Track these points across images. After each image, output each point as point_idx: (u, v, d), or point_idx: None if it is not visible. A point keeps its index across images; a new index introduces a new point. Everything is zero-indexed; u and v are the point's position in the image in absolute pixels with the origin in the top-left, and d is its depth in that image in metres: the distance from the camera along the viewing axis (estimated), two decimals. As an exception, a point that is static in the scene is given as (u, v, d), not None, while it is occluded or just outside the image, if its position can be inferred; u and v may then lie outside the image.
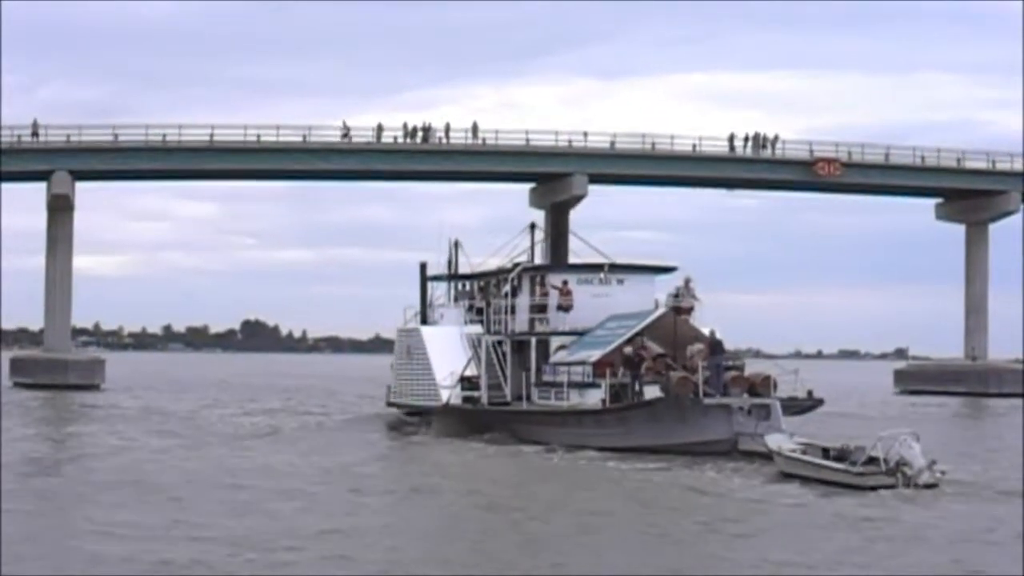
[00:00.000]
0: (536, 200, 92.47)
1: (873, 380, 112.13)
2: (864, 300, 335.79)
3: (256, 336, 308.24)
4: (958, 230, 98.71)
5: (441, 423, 45.09)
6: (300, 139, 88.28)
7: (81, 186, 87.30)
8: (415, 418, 49.18)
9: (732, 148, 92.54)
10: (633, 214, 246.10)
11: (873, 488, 29.00)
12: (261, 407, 63.98)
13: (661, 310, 41.14)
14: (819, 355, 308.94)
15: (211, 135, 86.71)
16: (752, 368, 39.96)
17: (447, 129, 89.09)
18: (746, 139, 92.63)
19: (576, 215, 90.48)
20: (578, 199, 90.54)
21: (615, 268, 45.25)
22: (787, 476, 31.67)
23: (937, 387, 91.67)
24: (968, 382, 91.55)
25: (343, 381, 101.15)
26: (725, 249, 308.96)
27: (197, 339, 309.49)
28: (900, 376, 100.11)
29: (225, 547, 21.27)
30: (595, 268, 45.38)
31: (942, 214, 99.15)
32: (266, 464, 34.98)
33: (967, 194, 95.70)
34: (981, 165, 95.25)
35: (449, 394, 44.95)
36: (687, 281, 42.87)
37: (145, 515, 24.70)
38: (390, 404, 51.96)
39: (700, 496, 29.38)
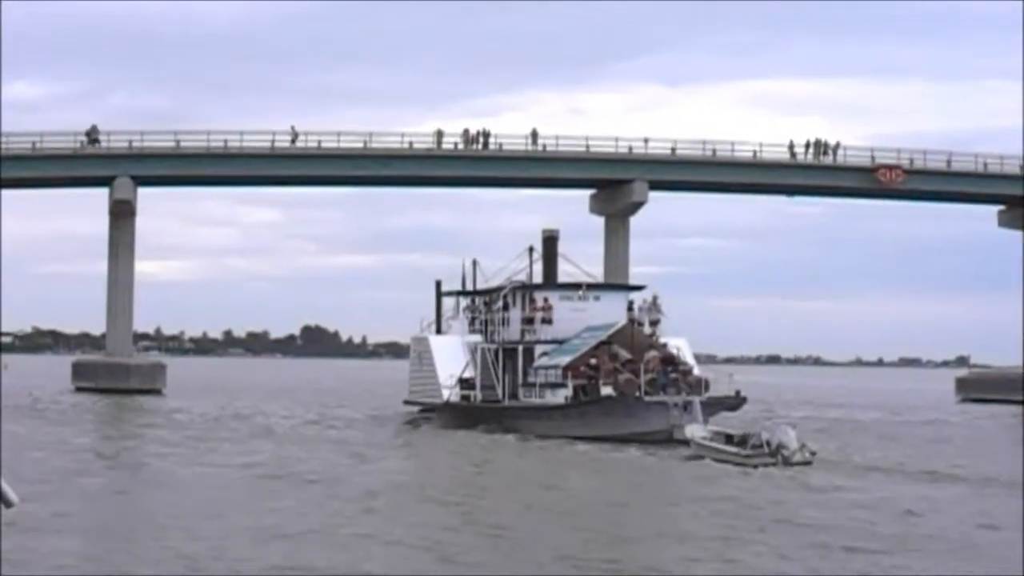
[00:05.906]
0: (596, 207, 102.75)
1: (934, 388, 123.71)
2: (926, 307, 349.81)
3: (316, 342, 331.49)
4: (1020, 237, 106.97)
5: (442, 417, 60.65)
6: (361, 145, 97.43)
7: (143, 192, 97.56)
8: (426, 413, 63.99)
9: (793, 155, 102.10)
10: (694, 221, 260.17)
11: (757, 466, 43.02)
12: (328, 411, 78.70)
13: (622, 322, 56.09)
14: (880, 363, 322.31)
15: (272, 141, 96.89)
16: (697, 373, 54.69)
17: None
18: (807, 145, 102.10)
19: (636, 221, 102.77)
20: (638, 205, 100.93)
21: (592, 287, 60.62)
22: (699, 458, 46.16)
23: (999, 395, 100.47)
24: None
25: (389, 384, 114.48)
26: (786, 256, 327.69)
27: (257, 344, 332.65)
28: (961, 384, 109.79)
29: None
30: (575, 287, 60.52)
31: (1004, 221, 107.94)
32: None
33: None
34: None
35: (449, 393, 60.05)
36: (654, 298, 58.21)
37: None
38: (406, 402, 67.14)
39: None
